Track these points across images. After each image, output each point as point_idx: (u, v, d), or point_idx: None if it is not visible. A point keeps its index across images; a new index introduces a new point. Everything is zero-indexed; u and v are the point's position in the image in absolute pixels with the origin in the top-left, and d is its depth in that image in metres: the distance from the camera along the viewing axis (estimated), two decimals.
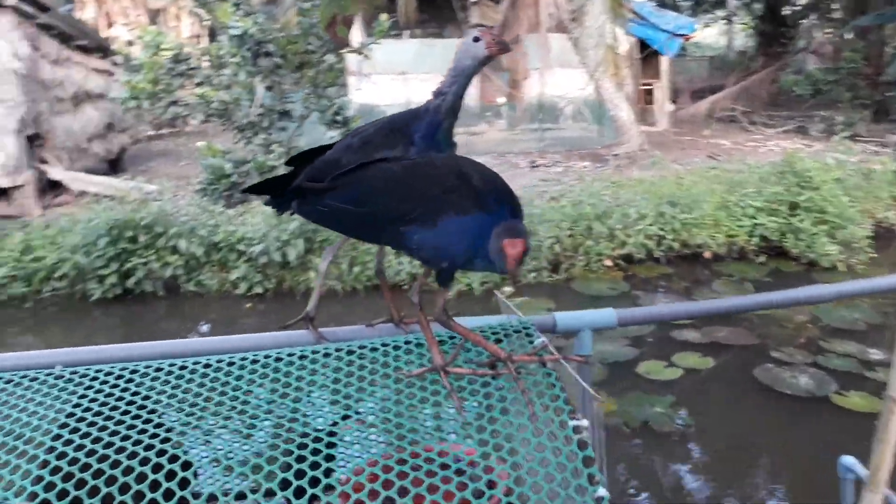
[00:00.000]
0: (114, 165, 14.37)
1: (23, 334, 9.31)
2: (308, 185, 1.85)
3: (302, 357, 1.84)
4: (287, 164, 2.18)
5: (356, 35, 16.56)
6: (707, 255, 10.47)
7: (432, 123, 2.00)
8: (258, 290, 9.60)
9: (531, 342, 1.88)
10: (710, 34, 36.74)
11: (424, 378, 1.75)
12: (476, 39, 1.97)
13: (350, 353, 1.86)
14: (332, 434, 1.61)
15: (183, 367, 1.81)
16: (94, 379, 1.76)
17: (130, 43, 15.79)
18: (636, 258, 10.26)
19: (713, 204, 10.56)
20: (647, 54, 18.63)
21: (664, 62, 18.99)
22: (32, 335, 9.33)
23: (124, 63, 11.86)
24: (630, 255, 10.22)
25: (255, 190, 2.12)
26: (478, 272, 1.95)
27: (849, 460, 2.20)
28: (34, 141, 11.83)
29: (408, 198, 1.70)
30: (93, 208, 10.09)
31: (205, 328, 9.03)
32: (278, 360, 1.84)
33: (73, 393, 1.69)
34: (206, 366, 1.81)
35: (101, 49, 14.81)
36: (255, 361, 1.82)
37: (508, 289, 9.58)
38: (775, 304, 2.20)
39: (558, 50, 18.45)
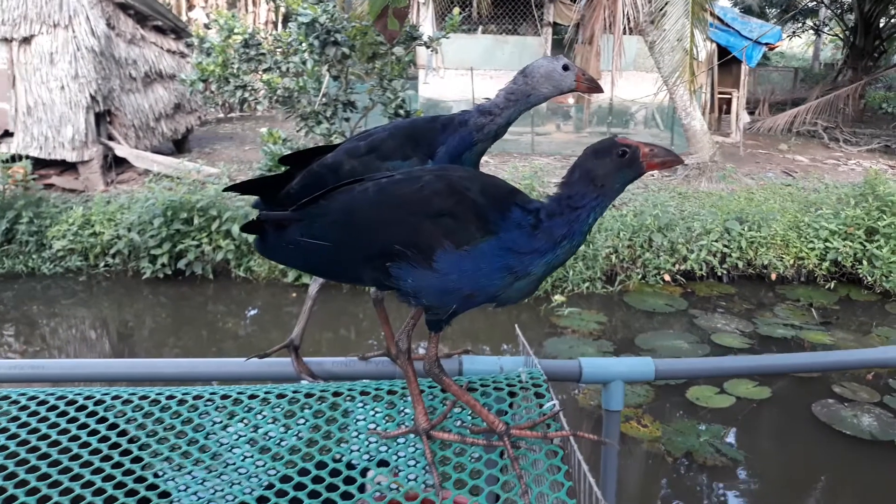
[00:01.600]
0: (179, 146, 14.58)
1: (76, 306, 9.49)
2: (269, 217, 1.56)
3: (280, 396, 1.62)
4: (281, 162, 1.94)
5: (427, 28, 16.40)
6: (773, 276, 9.94)
7: (464, 141, 1.73)
8: (306, 279, 9.53)
9: (541, 404, 1.59)
10: (796, 44, 35.38)
11: (405, 440, 1.50)
12: (566, 68, 1.71)
13: (336, 394, 1.63)
14: (300, 487, 1.39)
15: (154, 402, 1.61)
16: (53, 409, 1.59)
17: (207, 26, 16.03)
18: (697, 275, 9.82)
19: (784, 223, 10.01)
20: (727, 61, 17.90)
21: (744, 71, 18.23)
22: (85, 308, 9.50)
23: (198, 45, 11.91)
24: (691, 271, 9.78)
25: (242, 189, 1.90)
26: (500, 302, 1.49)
27: None
28: (103, 117, 12.06)
29: (387, 228, 1.42)
30: (151, 188, 10.21)
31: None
32: (252, 397, 1.62)
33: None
34: (181, 402, 1.61)
35: (176, 30, 15.02)
36: (225, 397, 1.61)
37: (560, 297, 9.32)
38: (836, 367, 1.90)
39: (633, 52, 17.94)
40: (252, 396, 1.62)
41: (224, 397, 1.62)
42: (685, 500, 5.73)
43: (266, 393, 1.62)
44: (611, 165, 1.38)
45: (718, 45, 17.58)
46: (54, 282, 9.85)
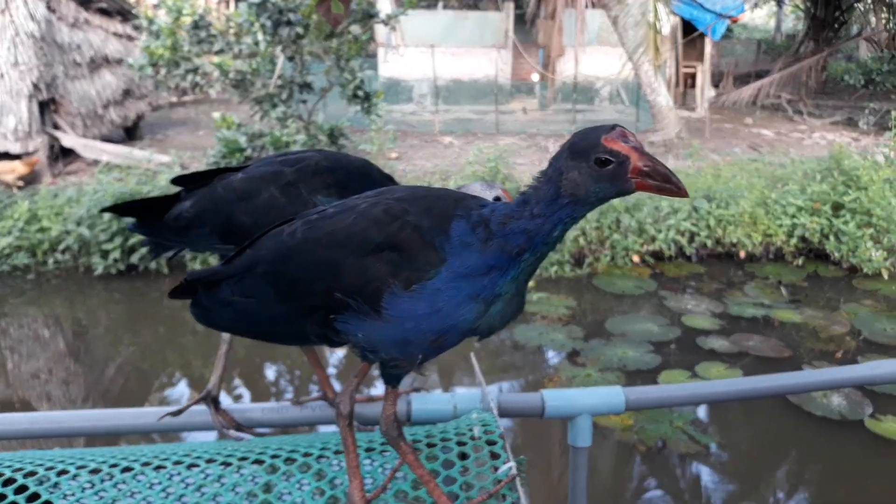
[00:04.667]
0: (130, 133, 14.02)
1: (25, 305, 9.09)
2: (197, 276, 1.31)
3: (191, 467, 1.35)
4: (174, 182, 1.69)
5: (385, 4, 16.00)
6: (742, 254, 9.85)
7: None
8: None
9: (496, 467, 1.34)
10: (758, 16, 35.51)
11: None
12: (497, 199, 1.42)
13: (258, 462, 1.36)
14: None
15: (30, 474, 1.34)
16: None
17: (156, 6, 15.42)
18: (666, 255, 9.69)
19: (752, 200, 9.90)
20: (691, 36, 17.76)
21: (708, 45, 18.12)
22: (35, 307, 9.10)
23: (146, 28, 11.41)
24: (659, 251, 9.65)
25: (121, 211, 1.66)
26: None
27: None
28: (48, 106, 11.51)
29: (323, 274, 1.16)
30: (100, 179, 9.76)
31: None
32: (159, 468, 1.35)
33: None
34: (61, 473, 1.34)
35: (122, 12, 14.41)
36: (127, 470, 1.34)
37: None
38: (823, 386, 1.69)
39: (596, 27, 17.72)
40: (159, 468, 1.35)
41: (126, 470, 1.34)
42: (659, 488, 5.62)
43: (175, 463, 1.35)
44: (585, 173, 1.07)
45: (682, 19, 17.43)
46: (0, 280, 9.40)
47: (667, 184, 1.07)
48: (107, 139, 12.49)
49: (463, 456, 1.41)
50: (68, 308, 9.15)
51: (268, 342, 1.36)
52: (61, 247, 9.31)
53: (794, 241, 9.74)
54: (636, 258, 9.58)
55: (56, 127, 11.66)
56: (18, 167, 10.64)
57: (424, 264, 1.11)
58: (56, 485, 1.33)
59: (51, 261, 9.41)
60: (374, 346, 1.15)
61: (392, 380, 1.25)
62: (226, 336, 1.66)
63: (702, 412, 6.51)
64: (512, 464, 1.33)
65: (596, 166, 1.06)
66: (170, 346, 8.17)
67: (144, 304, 9.08)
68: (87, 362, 7.99)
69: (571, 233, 9.30)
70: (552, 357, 7.57)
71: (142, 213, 1.68)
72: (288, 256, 1.20)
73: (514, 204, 1.14)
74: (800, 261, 9.75)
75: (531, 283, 8.85)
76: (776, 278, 9.40)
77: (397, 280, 1.11)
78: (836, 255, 9.56)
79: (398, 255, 1.12)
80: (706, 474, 5.72)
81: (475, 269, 1.11)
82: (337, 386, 1.63)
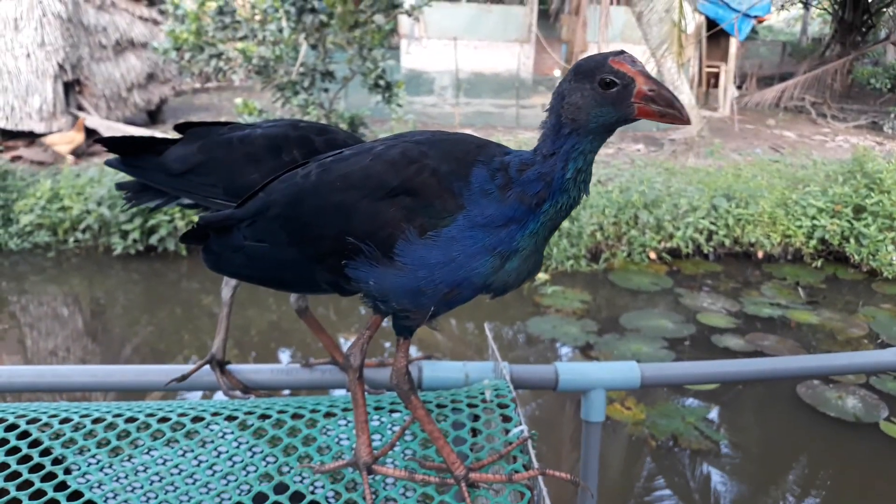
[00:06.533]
0: (153, 117, 14.14)
1: (45, 283, 9.18)
2: (209, 220, 1.27)
3: (196, 420, 1.36)
4: (176, 128, 1.67)
5: None
6: (759, 254, 9.77)
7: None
8: None
9: (508, 429, 1.33)
10: (784, 18, 35.12)
11: (341, 476, 1.24)
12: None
13: (264, 416, 1.37)
14: None
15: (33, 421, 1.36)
16: None
17: None
18: (683, 252, 9.63)
19: (772, 200, 9.81)
20: (715, 34, 17.60)
21: (733, 44, 17.95)
22: (55, 285, 9.19)
23: (171, 12, 11.48)
24: (677, 248, 9.60)
25: (107, 143, 1.60)
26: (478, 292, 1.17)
27: None
28: (72, 87, 11.62)
29: (336, 217, 1.12)
30: None
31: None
32: (163, 420, 1.37)
33: None
34: (65, 421, 1.35)
35: None
36: (131, 420, 1.36)
37: (543, 275, 9.09)
38: (838, 371, 1.69)
39: (621, 23, 17.62)
40: (163, 420, 1.37)
41: (130, 420, 1.36)
42: (669, 484, 5.59)
43: (180, 415, 1.37)
44: (589, 96, 1.03)
45: (707, 18, 17.29)
46: (22, 258, 9.51)
47: (670, 109, 1.03)
48: (130, 122, 12.60)
49: (474, 418, 1.40)
50: (87, 287, 9.25)
51: (278, 290, 1.33)
52: (82, 226, 9.40)
53: (813, 242, 9.65)
54: (653, 255, 9.54)
55: (80, 108, 11.77)
56: (76, 137, 10.86)
57: (441, 210, 1.08)
58: (59, 434, 1.34)
59: (71, 239, 9.52)
60: (385, 295, 1.12)
61: (404, 331, 1.21)
62: (225, 298, 1.65)
63: (714, 410, 6.48)
64: (524, 427, 1.32)
65: (600, 88, 1.03)
66: (186, 327, 8.23)
67: (162, 285, 9.16)
68: (104, 341, 8.07)
69: (588, 227, 9.28)
70: (565, 350, 7.55)
71: (133, 148, 1.61)
72: (301, 199, 1.17)
73: (527, 152, 1.12)
74: (818, 262, 9.66)
75: (546, 277, 8.83)
76: (794, 279, 9.32)
77: (412, 226, 1.08)
78: (856, 257, 9.47)
79: (414, 200, 1.08)
80: (716, 472, 5.68)
81: (493, 219, 1.08)
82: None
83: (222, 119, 14.76)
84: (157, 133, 12.01)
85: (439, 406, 1.42)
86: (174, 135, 1.69)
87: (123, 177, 1.65)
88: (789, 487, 5.61)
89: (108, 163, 1.65)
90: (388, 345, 6.95)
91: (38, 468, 1.22)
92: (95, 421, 1.35)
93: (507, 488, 1.16)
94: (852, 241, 9.50)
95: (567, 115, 1.05)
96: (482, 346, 7.40)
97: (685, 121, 1.03)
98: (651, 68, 13.91)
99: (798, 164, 11.71)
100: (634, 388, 1.72)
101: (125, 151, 1.61)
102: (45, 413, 1.36)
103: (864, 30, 21.54)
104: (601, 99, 1.03)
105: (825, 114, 17.81)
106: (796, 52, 27.09)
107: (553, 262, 9.15)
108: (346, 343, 7.18)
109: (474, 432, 1.37)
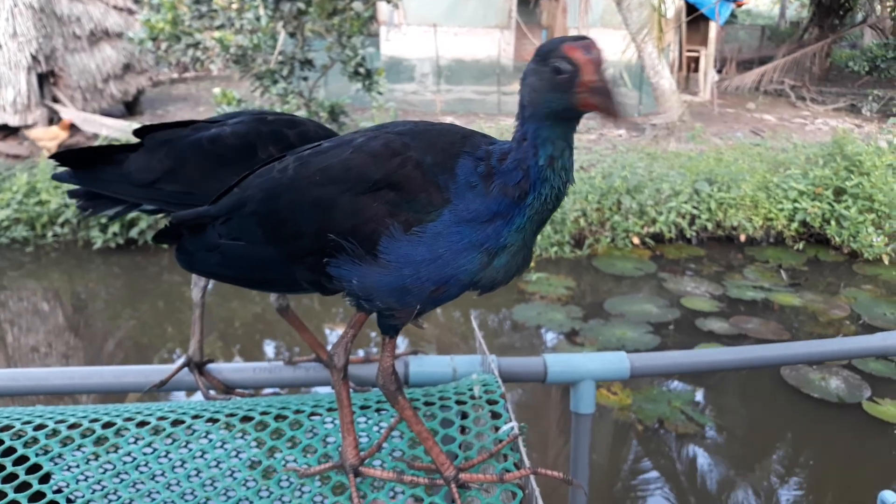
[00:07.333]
0: (130, 108, 13.95)
1: (24, 278, 9.06)
2: (183, 218, 1.21)
3: (176, 423, 1.32)
4: (136, 133, 1.58)
5: None
6: (742, 238, 9.82)
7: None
8: None
9: (497, 426, 1.30)
10: (762, 2, 35.25)
11: (328, 479, 1.21)
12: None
13: (247, 419, 1.33)
14: None
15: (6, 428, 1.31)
16: None
17: None
18: (666, 237, 9.66)
19: (753, 184, 9.86)
20: (695, 19, 17.62)
21: (712, 29, 17.98)
22: (34, 280, 9.07)
23: (146, 1, 11.31)
24: (660, 233, 9.62)
25: (60, 158, 1.51)
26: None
27: (891, 497, 1.65)
28: (47, 78, 11.43)
29: (315, 213, 1.07)
30: None
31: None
32: (142, 424, 1.33)
33: None
34: (38, 427, 1.31)
35: None
36: (109, 426, 1.31)
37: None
38: (831, 356, 1.69)
39: (601, 8, 17.58)
40: (141, 424, 1.33)
41: (107, 425, 1.32)
42: (656, 467, 5.62)
43: (159, 418, 1.33)
44: (545, 80, 1.01)
45: (686, 2, 17.29)
46: None
47: (608, 103, 0.99)
48: (106, 113, 12.41)
49: (463, 416, 1.37)
50: (67, 281, 9.14)
51: (256, 290, 1.28)
52: (60, 220, 9.28)
53: (794, 225, 9.71)
54: (636, 240, 9.56)
55: (55, 100, 11.59)
56: (61, 133, 10.70)
57: (426, 205, 1.04)
58: (34, 440, 1.29)
59: (50, 234, 9.39)
60: (369, 293, 1.07)
61: (389, 330, 1.17)
62: (196, 299, 1.61)
63: (700, 393, 6.51)
64: (514, 423, 1.29)
65: (552, 73, 1.01)
66: (169, 320, 8.15)
67: (143, 279, 9.06)
68: (86, 336, 7.98)
69: (572, 213, 9.27)
70: (551, 337, 7.56)
71: (88, 161, 1.51)
72: (278, 194, 1.12)
73: (507, 143, 1.09)
74: (800, 245, 9.73)
75: (531, 263, 8.89)
76: (776, 262, 9.38)
77: (396, 221, 1.03)
78: (837, 239, 9.54)
79: (398, 194, 1.04)
80: (702, 454, 5.72)
81: (479, 214, 1.04)
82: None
83: (200, 109, 14.61)
84: (136, 125, 11.85)
85: (427, 403, 1.39)
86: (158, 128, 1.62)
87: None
88: (774, 468, 5.65)
89: (56, 176, 1.54)
90: (374, 335, 6.93)
91: (12, 478, 1.18)
92: (72, 426, 1.30)
93: (499, 488, 1.14)
94: (833, 223, 9.57)
95: (525, 97, 1.04)
96: (468, 334, 7.39)
97: (617, 115, 1.00)
98: (632, 53, 13.91)
99: (778, 147, 11.76)
100: (624, 378, 1.71)
101: (77, 164, 1.52)
102: (18, 419, 1.32)
103: (841, 13, 21.64)
104: (553, 84, 1.01)
105: (804, 97, 17.91)
106: (775, 36, 27.19)
107: (537, 248, 9.14)
108: (331, 335, 7.15)
109: (463, 430, 1.34)
